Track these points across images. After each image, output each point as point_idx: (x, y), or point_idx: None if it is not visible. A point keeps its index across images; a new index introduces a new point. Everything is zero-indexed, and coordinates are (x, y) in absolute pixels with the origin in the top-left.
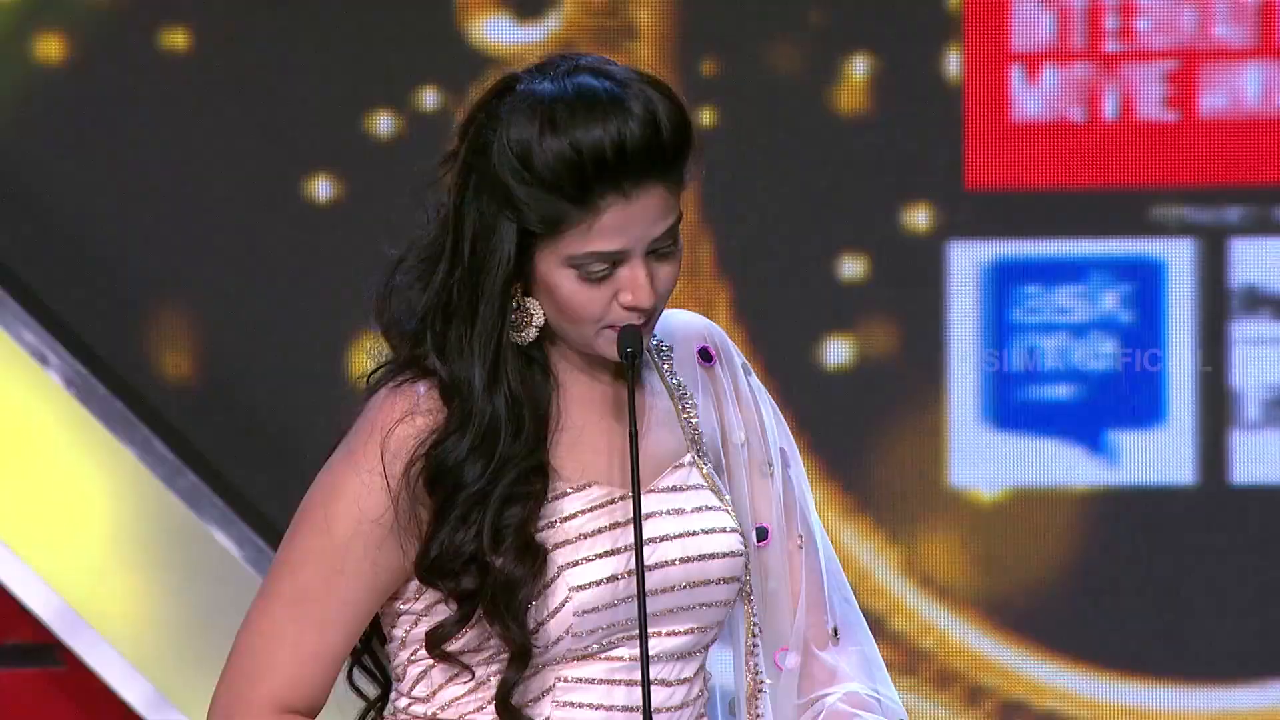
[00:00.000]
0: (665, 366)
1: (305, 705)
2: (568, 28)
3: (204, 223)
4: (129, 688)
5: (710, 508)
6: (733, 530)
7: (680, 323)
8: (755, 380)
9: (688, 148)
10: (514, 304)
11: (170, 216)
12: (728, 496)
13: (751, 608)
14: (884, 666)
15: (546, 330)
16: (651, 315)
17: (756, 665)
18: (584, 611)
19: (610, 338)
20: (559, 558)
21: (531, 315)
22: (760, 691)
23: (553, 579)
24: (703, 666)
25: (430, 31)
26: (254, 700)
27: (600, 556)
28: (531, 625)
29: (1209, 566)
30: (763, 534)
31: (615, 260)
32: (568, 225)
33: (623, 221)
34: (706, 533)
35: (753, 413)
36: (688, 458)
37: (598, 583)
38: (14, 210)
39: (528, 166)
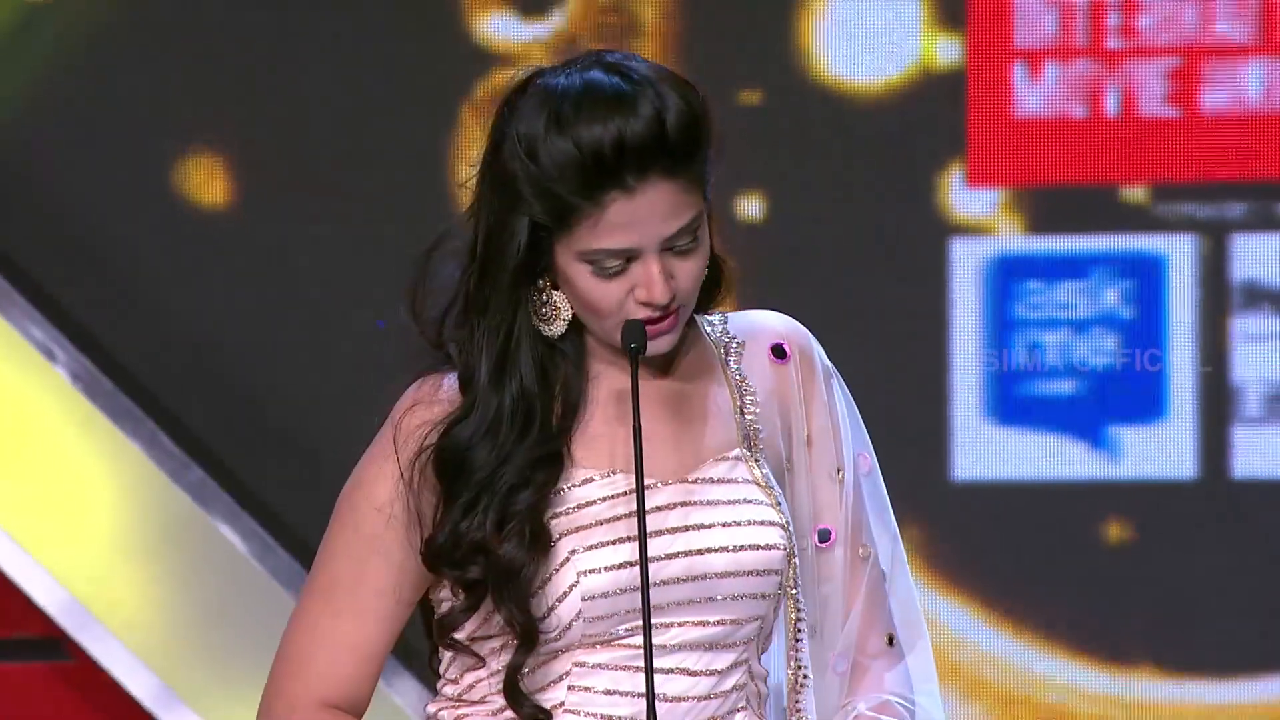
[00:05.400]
0: (732, 361)
1: (347, 701)
2: (573, 25)
3: (210, 218)
4: (136, 682)
5: (751, 501)
6: (773, 525)
7: (761, 321)
8: (840, 386)
9: (697, 146)
10: (543, 297)
11: (176, 212)
12: (778, 493)
13: (797, 603)
14: (934, 678)
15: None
16: (673, 310)
17: (799, 660)
18: (592, 597)
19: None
20: (571, 543)
21: (559, 308)
22: (802, 686)
23: (562, 563)
24: (745, 661)
25: (436, 29)
26: (296, 695)
27: (614, 543)
28: (543, 610)
29: (1210, 560)
30: (825, 536)
31: (629, 256)
32: (575, 220)
33: (629, 218)
34: (741, 525)
35: (827, 417)
36: (736, 451)
37: (607, 568)
38: (21, 205)
39: (535, 161)
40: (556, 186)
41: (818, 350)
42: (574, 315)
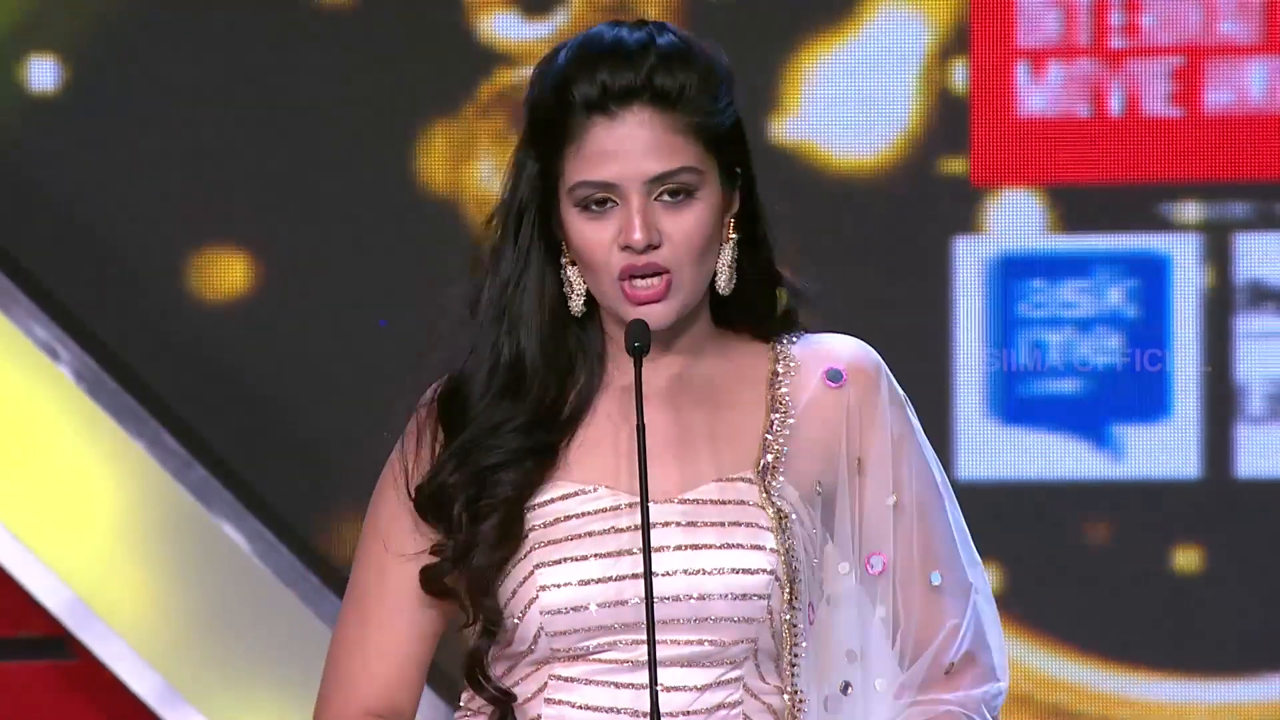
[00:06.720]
0: (783, 381)
1: (390, 709)
2: (576, 23)
3: (214, 219)
4: (139, 680)
5: (745, 524)
6: (763, 549)
7: (827, 344)
8: (909, 417)
9: (689, 86)
10: (564, 274)
11: (180, 212)
12: (794, 518)
13: (793, 628)
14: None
15: (610, 327)
16: (663, 273)
17: (795, 684)
18: (551, 612)
19: (626, 304)
20: (538, 556)
21: (574, 284)
22: (799, 711)
23: (526, 577)
24: (736, 679)
25: (438, 29)
26: (340, 706)
27: (578, 560)
28: (510, 622)
29: (1213, 560)
30: (876, 563)
31: (612, 193)
32: (562, 144)
33: (610, 146)
34: (725, 548)
35: (886, 444)
36: (748, 474)
37: (567, 584)
38: (25, 205)
39: (535, 88)
40: (549, 109)
41: (885, 378)
42: (585, 292)
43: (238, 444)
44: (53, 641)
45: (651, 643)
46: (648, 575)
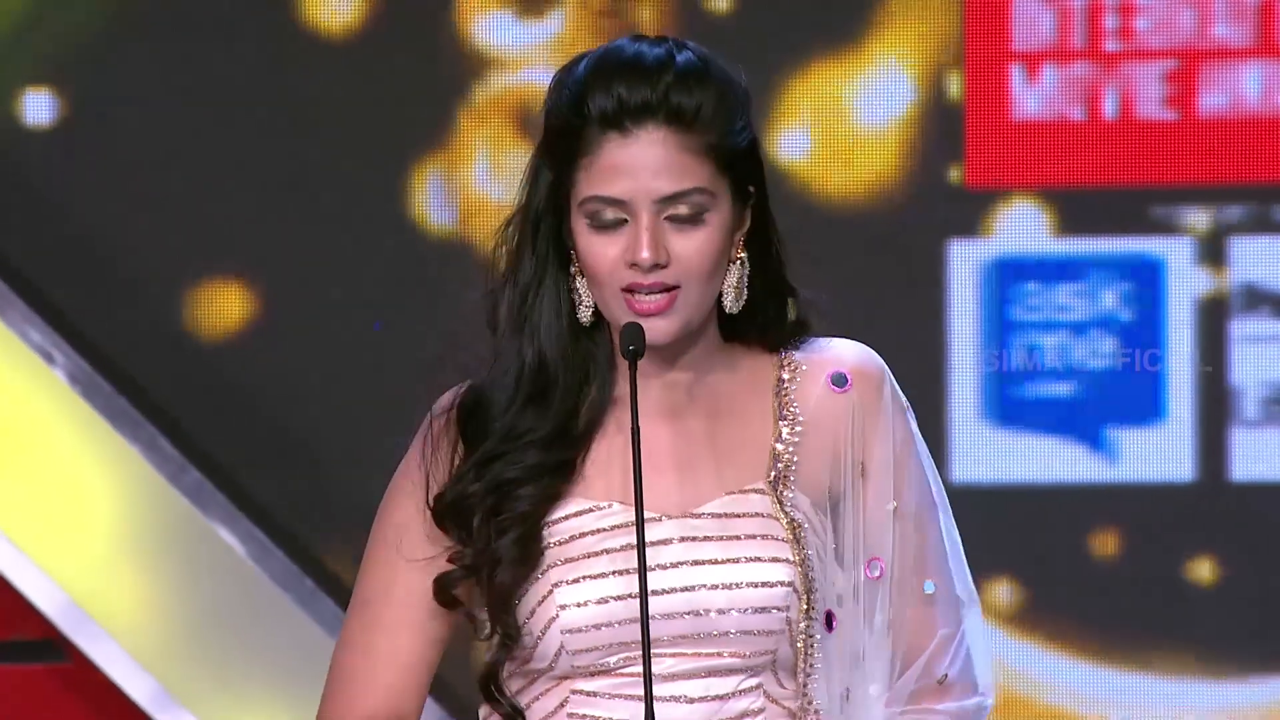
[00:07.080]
0: (788, 387)
1: (392, 713)
2: (570, 26)
3: (209, 224)
4: (134, 684)
5: (759, 536)
6: (780, 561)
7: (832, 348)
8: (910, 425)
9: (703, 109)
10: (573, 283)
11: (175, 217)
12: (806, 528)
13: (809, 637)
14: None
15: (617, 340)
16: (670, 290)
17: (808, 694)
18: (572, 630)
19: (629, 315)
20: (556, 575)
21: (582, 296)
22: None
23: (545, 596)
24: (757, 686)
25: (431, 31)
26: (341, 709)
27: (596, 577)
28: (531, 640)
29: (1208, 563)
30: (875, 568)
31: (624, 210)
32: (576, 157)
33: (622, 162)
34: (741, 562)
35: (888, 450)
36: (759, 484)
37: (588, 602)
38: (20, 209)
39: (553, 97)
40: (565, 120)
41: (889, 383)
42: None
43: (233, 448)
44: (47, 645)
45: (647, 656)
46: (643, 583)
